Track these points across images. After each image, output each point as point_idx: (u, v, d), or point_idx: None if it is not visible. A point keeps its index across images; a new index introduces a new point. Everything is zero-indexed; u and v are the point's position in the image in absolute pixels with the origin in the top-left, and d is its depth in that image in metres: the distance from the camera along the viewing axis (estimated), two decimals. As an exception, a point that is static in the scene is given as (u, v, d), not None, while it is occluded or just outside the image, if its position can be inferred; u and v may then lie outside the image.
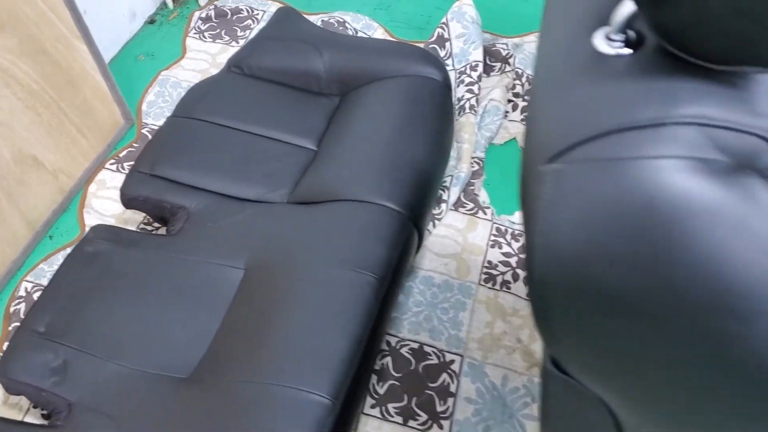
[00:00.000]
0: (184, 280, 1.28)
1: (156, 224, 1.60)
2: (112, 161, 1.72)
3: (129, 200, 1.48)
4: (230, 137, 1.52)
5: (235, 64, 1.67)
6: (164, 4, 2.14)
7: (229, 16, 2.08)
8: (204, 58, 1.96)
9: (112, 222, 1.61)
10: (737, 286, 0.40)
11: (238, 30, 2.03)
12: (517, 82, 1.83)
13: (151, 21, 2.10)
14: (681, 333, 0.42)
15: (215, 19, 2.07)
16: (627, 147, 0.42)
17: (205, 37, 2.03)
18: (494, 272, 1.52)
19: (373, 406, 1.29)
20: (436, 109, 1.50)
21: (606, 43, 0.48)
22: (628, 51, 0.47)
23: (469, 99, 1.76)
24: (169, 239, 1.38)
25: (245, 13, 2.08)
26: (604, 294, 0.44)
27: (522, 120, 1.81)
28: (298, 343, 1.12)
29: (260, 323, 1.17)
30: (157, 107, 1.83)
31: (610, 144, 0.43)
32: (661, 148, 0.41)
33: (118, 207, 1.62)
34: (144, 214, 1.62)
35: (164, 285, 1.27)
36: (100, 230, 1.39)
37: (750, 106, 0.43)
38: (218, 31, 2.04)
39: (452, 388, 1.33)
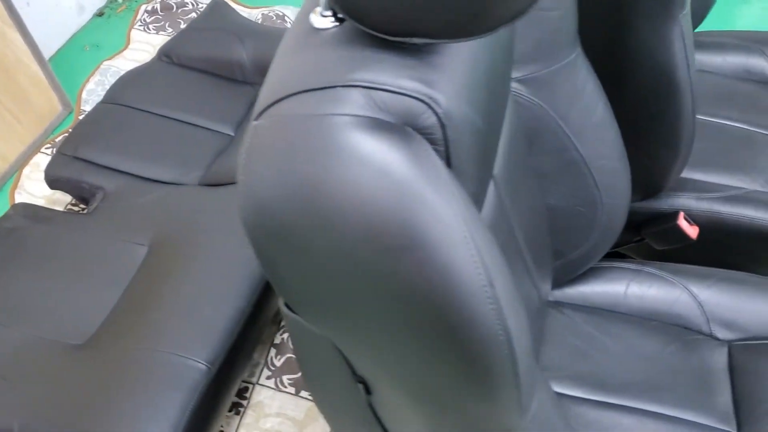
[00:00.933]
0: (90, 255, 1.35)
1: (82, 205, 1.67)
2: (48, 146, 1.80)
3: (52, 181, 1.56)
4: (151, 122, 1.59)
5: (164, 54, 1.74)
6: (115, -3, 2.22)
7: (174, 9, 2.15)
8: (146, 49, 2.03)
9: (41, 203, 1.68)
10: (390, 225, 0.46)
11: (182, 22, 2.11)
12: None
13: (99, 13, 2.18)
14: (350, 271, 0.49)
15: (161, 12, 2.15)
16: (307, 105, 0.49)
17: (149, 29, 2.11)
18: None
19: (268, 378, 1.36)
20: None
21: (318, 19, 0.55)
22: (334, 24, 0.54)
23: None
24: (83, 217, 1.45)
25: (190, 6, 2.16)
26: (296, 237, 0.50)
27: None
28: (184, 314, 1.19)
29: (154, 295, 1.24)
30: (96, 95, 1.91)
31: (295, 103, 0.49)
32: (332, 107, 0.48)
33: (49, 189, 1.69)
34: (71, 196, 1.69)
35: (71, 259, 1.34)
36: (19, 208, 1.47)
37: (416, 73, 0.49)
38: (162, 23, 2.12)
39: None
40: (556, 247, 1.02)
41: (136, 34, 2.09)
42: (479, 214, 0.50)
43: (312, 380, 0.68)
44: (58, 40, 2.05)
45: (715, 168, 1.26)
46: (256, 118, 0.52)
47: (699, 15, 1.43)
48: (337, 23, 0.53)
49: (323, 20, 0.54)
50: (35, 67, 1.74)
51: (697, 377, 1.01)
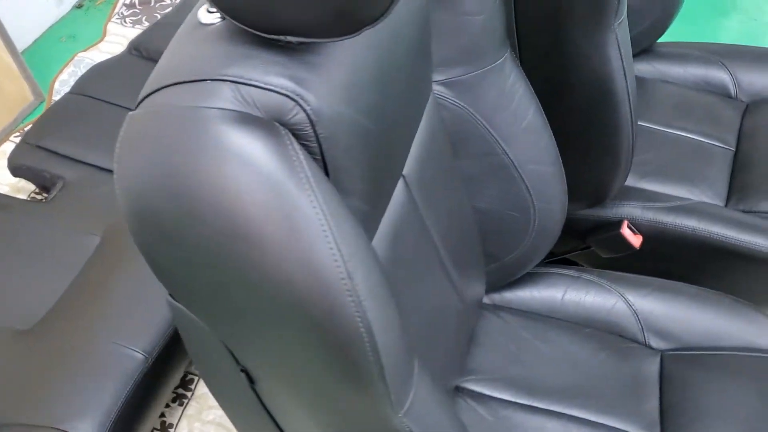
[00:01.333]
0: (44, 244, 1.36)
1: (44, 193, 1.68)
2: (17, 134, 1.80)
3: (14, 168, 1.57)
4: (116, 114, 1.60)
5: (134, 47, 1.75)
6: (96, -11, 2.23)
7: (152, 4, 2.17)
8: (121, 42, 2.04)
9: (6, 190, 1.69)
10: (249, 215, 0.47)
11: (159, 16, 2.12)
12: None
13: (78, 5, 2.19)
14: (215, 261, 0.49)
15: (139, 5, 2.16)
16: (178, 97, 0.49)
17: (126, 23, 2.12)
18: None
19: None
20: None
21: (205, 14, 0.56)
22: (219, 20, 0.55)
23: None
24: (40, 206, 1.46)
25: (168, 1, 2.17)
26: (166, 226, 0.50)
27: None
28: (126, 304, 1.20)
29: (101, 285, 1.25)
30: (69, 86, 1.91)
31: (169, 94, 0.50)
32: (201, 100, 0.48)
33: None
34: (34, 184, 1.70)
35: (25, 246, 1.35)
36: (-22, 195, 1.48)
37: (287, 70, 0.50)
38: (139, 17, 2.13)
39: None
40: (490, 250, 1.02)
41: (113, 27, 2.10)
42: (345, 209, 0.51)
43: (201, 368, 0.68)
44: (35, 31, 2.06)
45: (665, 178, 1.27)
46: (134, 109, 0.52)
47: (661, 26, 1.44)
48: (222, 19, 0.54)
49: (209, 15, 0.55)
50: (7, 57, 1.75)
51: (626, 385, 1.01)
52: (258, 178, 0.46)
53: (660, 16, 1.41)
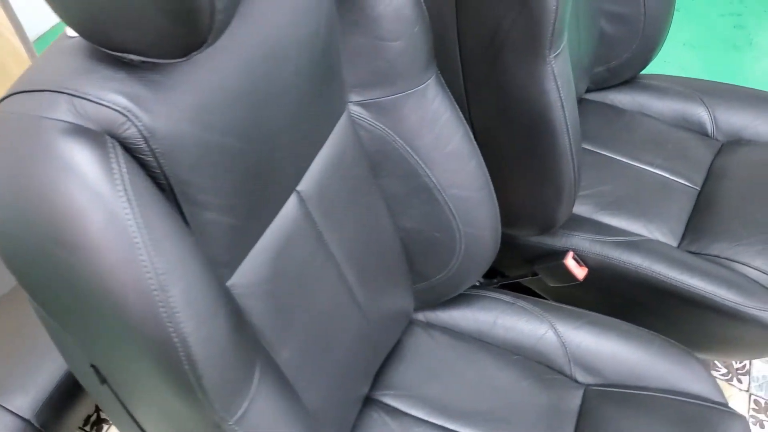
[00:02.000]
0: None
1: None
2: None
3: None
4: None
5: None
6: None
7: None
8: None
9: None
10: (67, 221, 0.50)
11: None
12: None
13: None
14: (42, 262, 0.52)
15: None
16: (21, 105, 0.53)
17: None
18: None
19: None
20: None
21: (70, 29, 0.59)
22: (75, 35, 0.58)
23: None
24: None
25: None
26: (3, 226, 0.54)
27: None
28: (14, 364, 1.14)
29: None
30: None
31: (14, 101, 0.54)
32: (39, 109, 0.52)
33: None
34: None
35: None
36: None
37: (123, 87, 0.53)
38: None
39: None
40: (419, 269, 1.04)
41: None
42: (171, 224, 0.53)
43: (70, 365, 0.72)
44: (48, 21, 2.14)
45: (621, 212, 1.26)
46: None
47: (642, 58, 1.43)
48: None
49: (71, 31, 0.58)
50: (18, 46, 1.83)
51: (543, 415, 1.02)
52: (80, 187, 0.49)
53: (641, 48, 1.40)
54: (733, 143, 1.39)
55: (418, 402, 1.03)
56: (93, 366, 0.62)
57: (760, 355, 1.19)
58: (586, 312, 1.11)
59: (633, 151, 1.36)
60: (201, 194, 0.59)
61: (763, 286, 1.13)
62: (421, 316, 1.14)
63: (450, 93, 0.93)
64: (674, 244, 1.22)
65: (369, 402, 1.04)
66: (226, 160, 0.61)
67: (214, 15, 0.47)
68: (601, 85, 1.49)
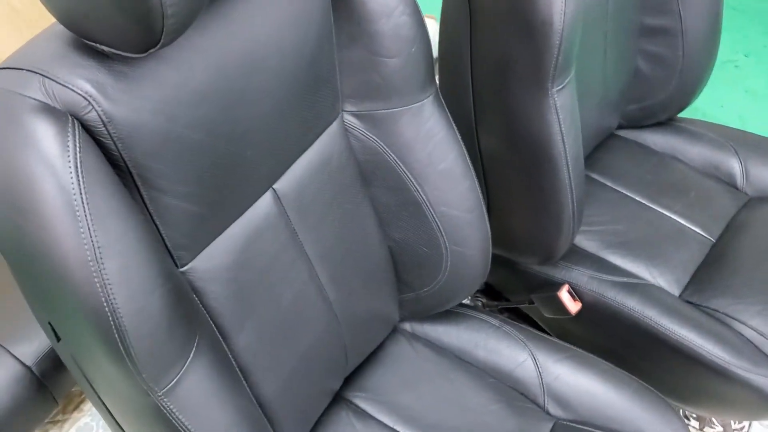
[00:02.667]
0: None
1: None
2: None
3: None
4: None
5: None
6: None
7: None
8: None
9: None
10: (21, 188, 0.55)
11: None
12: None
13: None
14: (2, 220, 0.57)
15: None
16: (1, 79, 0.59)
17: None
18: None
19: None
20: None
21: None
22: None
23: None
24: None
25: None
26: None
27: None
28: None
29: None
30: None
31: None
32: (14, 85, 0.58)
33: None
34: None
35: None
36: None
37: (89, 74, 0.59)
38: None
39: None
40: (407, 279, 1.07)
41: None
42: (121, 203, 0.58)
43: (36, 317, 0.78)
44: None
45: (628, 253, 1.25)
46: None
47: (679, 100, 1.42)
48: None
49: None
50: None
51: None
52: (36, 159, 0.55)
53: (677, 91, 1.38)
54: (762, 199, 1.35)
55: (387, 408, 1.06)
56: (50, 323, 0.68)
57: (750, 417, 1.16)
58: (569, 347, 1.11)
59: (654, 193, 1.35)
60: (160, 180, 0.64)
61: (756, 347, 1.10)
62: (408, 326, 1.16)
63: (449, 114, 0.95)
64: (676, 292, 1.20)
65: (340, 400, 1.07)
66: (189, 152, 0.66)
67: (164, 19, 0.52)
68: (635, 123, 1.47)
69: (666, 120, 1.47)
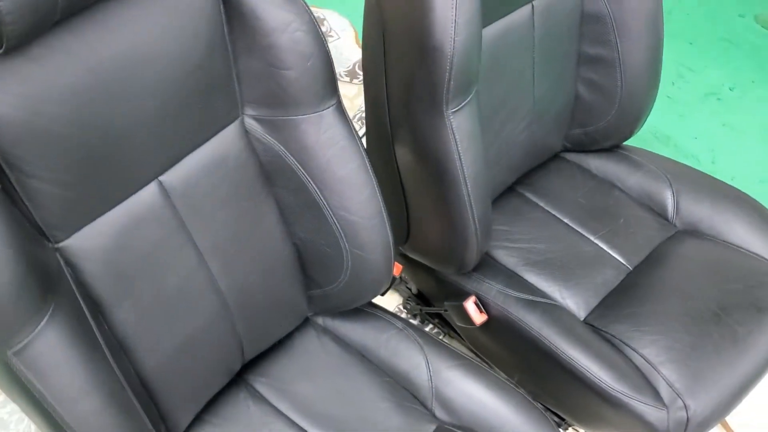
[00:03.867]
0: None
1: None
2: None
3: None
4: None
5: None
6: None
7: None
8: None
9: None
10: None
11: None
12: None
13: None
14: None
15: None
16: None
17: None
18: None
19: None
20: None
21: None
22: None
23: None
24: None
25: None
26: None
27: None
28: None
29: None
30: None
31: None
32: None
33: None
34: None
35: None
36: None
37: None
38: None
39: None
40: (312, 276, 1.13)
41: None
42: None
43: None
44: None
45: (544, 272, 1.30)
46: None
47: (621, 130, 1.45)
48: None
49: None
50: None
51: (388, 438, 1.09)
52: None
53: (618, 121, 1.41)
54: (688, 233, 1.38)
55: (283, 395, 1.13)
56: None
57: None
58: (463, 355, 1.16)
59: (583, 217, 1.39)
60: (26, 166, 0.72)
61: (642, 374, 1.14)
62: (320, 320, 1.22)
63: (352, 125, 1.01)
64: (582, 315, 1.25)
65: (240, 382, 1.15)
66: (57, 144, 0.73)
67: (2, 26, 0.59)
68: (580, 147, 1.51)
69: (610, 147, 1.51)
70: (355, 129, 1.03)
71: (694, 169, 1.47)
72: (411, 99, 1.05)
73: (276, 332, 1.16)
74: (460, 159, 1.05)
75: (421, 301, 1.60)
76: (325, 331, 1.22)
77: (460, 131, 1.03)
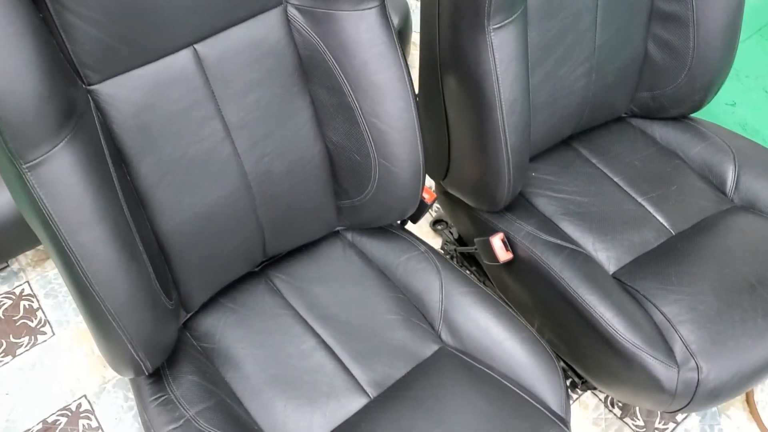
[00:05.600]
0: None
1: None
2: None
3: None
4: None
5: None
6: None
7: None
8: None
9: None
10: None
11: None
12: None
13: None
14: None
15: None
16: None
17: None
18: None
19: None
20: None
21: None
22: None
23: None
24: None
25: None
26: None
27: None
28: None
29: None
30: None
31: None
32: None
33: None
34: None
35: None
36: None
37: None
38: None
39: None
40: (342, 184, 1.16)
41: None
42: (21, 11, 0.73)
43: None
44: None
45: (581, 223, 1.27)
46: None
47: (691, 98, 1.40)
48: None
49: None
50: None
51: (389, 347, 1.09)
52: None
53: (688, 85, 1.35)
54: (744, 209, 1.31)
55: (299, 294, 1.17)
56: None
57: (648, 403, 1.15)
58: (477, 284, 1.16)
59: (635, 178, 1.35)
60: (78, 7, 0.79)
61: (659, 330, 1.10)
62: (349, 235, 1.26)
63: (393, 33, 1.03)
64: (610, 270, 1.21)
65: (261, 275, 1.20)
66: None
67: None
68: (647, 113, 1.46)
69: (679, 116, 1.45)
70: (396, 38, 1.04)
71: (765, 148, 1.39)
72: (456, 15, 1.05)
73: (301, 234, 1.20)
74: (498, 81, 1.05)
75: (459, 245, 1.60)
76: (352, 245, 1.25)
77: (501, 51, 1.03)
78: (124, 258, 0.87)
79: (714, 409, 1.40)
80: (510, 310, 1.13)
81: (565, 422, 1.04)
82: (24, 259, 1.63)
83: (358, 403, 1.04)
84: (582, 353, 1.20)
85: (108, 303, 0.86)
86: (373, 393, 1.05)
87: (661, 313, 1.11)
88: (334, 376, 1.07)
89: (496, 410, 1.03)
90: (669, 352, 1.08)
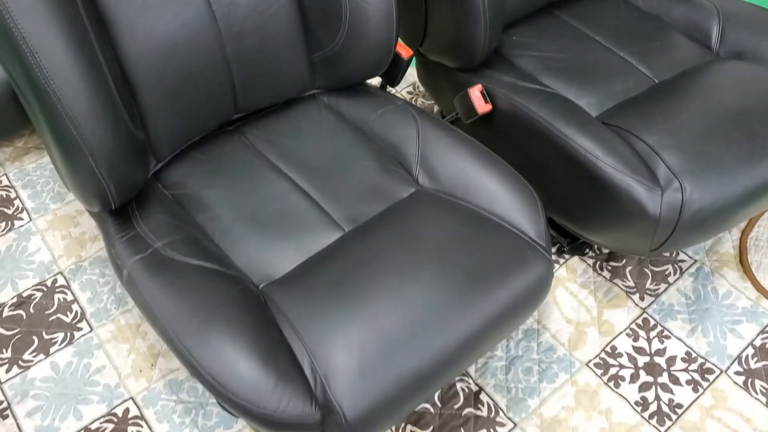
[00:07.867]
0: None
1: None
2: None
3: None
4: None
5: None
6: None
7: None
8: None
9: None
10: None
11: None
12: None
13: None
14: None
15: None
16: None
17: None
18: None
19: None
20: None
21: None
22: None
23: None
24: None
25: None
26: None
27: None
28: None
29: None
30: None
31: None
32: None
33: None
34: None
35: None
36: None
37: None
38: None
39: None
40: (314, 31, 1.13)
41: None
42: None
43: None
44: None
45: (561, 75, 1.24)
46: None
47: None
48: None
49: None
50: None
51: (364, 189, 1.07)
52: None
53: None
54: (728, 60, 1.27)
55: (273, 146, 1.15)
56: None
57: (634, 240, 1.12)
58: (456, 129, 1.13)
59: (617, 37, 1.31)
60: None
61: (640, 157, 1.07)
62: (325, 98, 1.23)
63: None
64: (593, 113, 1.18)
65: (234, 131, 1.18)
66: None
67: None
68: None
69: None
70: None
71: (753, 5, 1.35)
72: None
73: (275, 89, 1.17)
74: None
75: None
76: (328, 107, 1.22)
77: None
78: (81, 58, 0.85)
79: (707, 269, 1.36)
80: (487, 149, 1.10)
81: (544, 248, 1.01)
82: (2, 154, 1.61)
83: (332, 236, 1.02)
84: (564, 197, 1.17)
85: (65, 102, 0.84)
86: (347, 228, 1.02)
87: (644, 142, 1.08)
88: (308, 214, 1.04)
89: (472, 233, 1.00)
90: (652, 176, 1.05)
